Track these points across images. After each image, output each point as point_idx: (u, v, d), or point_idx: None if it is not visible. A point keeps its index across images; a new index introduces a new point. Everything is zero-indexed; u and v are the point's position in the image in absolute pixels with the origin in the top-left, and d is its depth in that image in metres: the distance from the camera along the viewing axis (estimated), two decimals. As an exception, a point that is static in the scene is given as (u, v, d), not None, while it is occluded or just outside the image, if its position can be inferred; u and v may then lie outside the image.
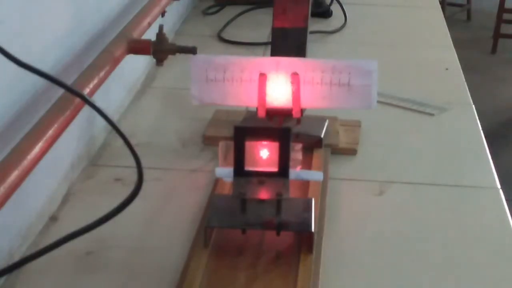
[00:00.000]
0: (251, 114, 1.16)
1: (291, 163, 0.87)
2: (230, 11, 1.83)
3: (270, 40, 1.16)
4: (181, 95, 1.32)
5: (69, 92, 0.77)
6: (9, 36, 0.83)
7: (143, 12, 1.24)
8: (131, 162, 0.69)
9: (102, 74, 1.00)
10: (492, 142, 1.24)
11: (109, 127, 0.73)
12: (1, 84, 0.83)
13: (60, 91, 0.89)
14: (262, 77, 1.04)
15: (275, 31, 1.14)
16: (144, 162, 0.70)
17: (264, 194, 0.87)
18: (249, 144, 0.88)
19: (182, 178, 1.07)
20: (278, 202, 0.86)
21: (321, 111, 1.12)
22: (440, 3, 1.98)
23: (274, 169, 0.87)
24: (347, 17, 1.77)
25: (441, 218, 0.98)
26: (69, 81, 0.95)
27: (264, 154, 0.88)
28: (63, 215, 0.98)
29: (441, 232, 0.95)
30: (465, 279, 0.87)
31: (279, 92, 1.04)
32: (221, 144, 0.93)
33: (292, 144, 0.87)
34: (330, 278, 0.85)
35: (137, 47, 1.14)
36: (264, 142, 0.87)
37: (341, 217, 0.97)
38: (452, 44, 1.65)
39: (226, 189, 0.97)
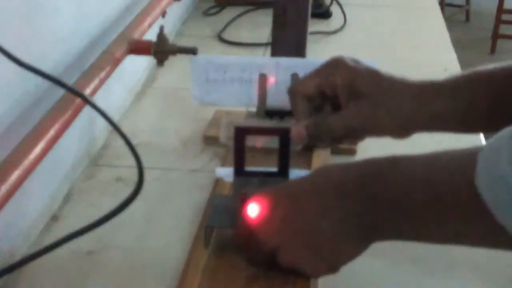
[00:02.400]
0: (251, 114, 1.16)
1: None
2: (230, 12, 1.83)
3: (270, 41, 1.16)
4: (182, 96, 1.32)
5: (70, 93, 0.77)
6: (10, 37, 0.83)
7: (144, 13, 1.24)
8: (132, 162, 0.70)
9: (103, 74, 1.00)
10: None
11: (110, 127, 0.73)
12: (2, 84, 0.83)
13: (61, 91, 0.89)
14: (262, 77, 1.04)
15: (275, 32, 1.14)
16: (144, 162, 0.70)
17: (264, 194, 0.87)
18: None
19: (183, 178, 1.07)
20: (278, 202, 0.86)
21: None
22: (439, 4, 1.99)
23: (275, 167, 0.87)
24: (347, 18, 1.77)
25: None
26: (70, 81, 0.95)
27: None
28: (64, 215, 0.98)
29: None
30: (467, 280, 0.87)
31: (279, 93, 1.04)
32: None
33: None
34: (330, 278, 0.85)
35: (138, 48, 1.14)
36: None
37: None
38: (451, 45, 1.65)
39: (227, 189, 0.97)
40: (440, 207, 0.63)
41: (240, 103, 1.08)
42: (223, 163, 1.06)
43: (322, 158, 1.08)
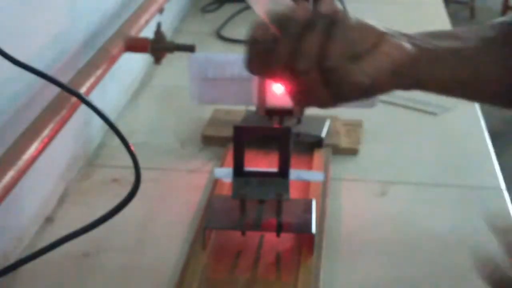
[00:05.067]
0: (250, 114, 1.15)
1: None
2: (229, 9, 1.82)
3: (270, 38, 1.15)
4: (180, 94, 1.31)
5: (66, 91, 0.76)
6: (4, 35, 0.82)
7: (141, 9, 1.23)
8: (129, 162, 0.69)
9: (99, 72, 0.99)
10: (496, 142, 1.23)
11: (106, 127, 0.72)
12: (-4, 83, 0.82)
13: (56, 90, 0.88)
14: (262, 75, 1.02)
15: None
16: (141, 162, 0.69)
17: (264, 195, 0.86)
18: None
19: (180, 178, 1.06)
20: (278, 203, 0.85)
21: (322, 110, 1.11)
22: (443, 1, 1.97)
23: (275, 169, 0.86)
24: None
25: (444, 219, 0.97)
26: (65, 79, 0.94)
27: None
28: (59, 216, 0.97)
29: (444, 233, 0.94)
30: (468, 281, 0.86)
31: (279, 91, 1.03)
32: None
33: None
34: (331, 281, 0.84)
35: (135, 45, 1.13)
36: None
37: (343, 218, 0.96)
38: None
39: (225, 189, 0.96)
40: None
41: (239, 102, 1.07)
42: (221, 163, 1.05)
43: (323, 158, 1.07)
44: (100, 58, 1.03)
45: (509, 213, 0.98)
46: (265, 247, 0.86)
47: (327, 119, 1.14)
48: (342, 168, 1.08)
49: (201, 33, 1.68)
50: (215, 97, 1.06)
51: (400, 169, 1.09)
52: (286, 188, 0.86)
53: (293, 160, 0.88)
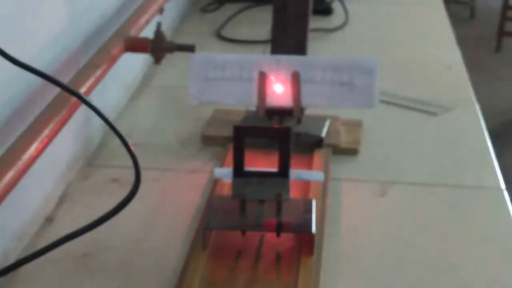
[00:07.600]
0: (250, 114, 1.15)
1: None
2: (229, 9, 1.82)
3: (270, 38, 1.15)
4: (180, 94, 1.31)
5: (65, 91, 0.76)
6: (4, 35, 0.82)
7: (141, 9, 1.23)
8: (129, 162, 0.69)
9: (98, 72, 0.99)
10: (496, 142, 1.23)
11: (106, 127, 0.72)
12: (-4, 83, 0.82)
13: (56, 90, 0.88)
14: (262, 75, 1.02)
15: (275, 29, 1.13)
16: (141, 162, 0.69)
17: (264, 195, 0.86)
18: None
19: (181, 178, 1.06)
20: (278, 203, 0.85)
21: (322, 110, 1.11)
22: (443, 0, 1.97)
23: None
24: (349, 15, 1.76)
25: (444, 219, 0.97)
26: (65, 80, 0.94)
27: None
28: (59, 216, 0.96)
29: (444, 233, 0.94)
30: (468, 281, 0.86)
31: (279, 91, 1.02)
32: None
33: None
34: (331, 281, 0.84)
35: (135, 45, 1.13)
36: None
37: (343, 218, 0.96)
38: (455, 42, 1.63)
39: (225, 189, 0.96)
40: None
41: (239, 102, 1.06)
42: (221, 164, 1.05)
43: (323, 158, 1.07)
44: (100, 58, 1.03)
45: (509, 213, 0.98)
46: (265, 247, 0.86)
47: (327, 119, 1.14)
48: (342, 168, 1.08)
49: (201, 33, 1.68)
50: (215, 97, 1.06)
51: (400, 169, 1.09)
52: (286, 188, 0.86)
53: (293, 160, 0.87)
